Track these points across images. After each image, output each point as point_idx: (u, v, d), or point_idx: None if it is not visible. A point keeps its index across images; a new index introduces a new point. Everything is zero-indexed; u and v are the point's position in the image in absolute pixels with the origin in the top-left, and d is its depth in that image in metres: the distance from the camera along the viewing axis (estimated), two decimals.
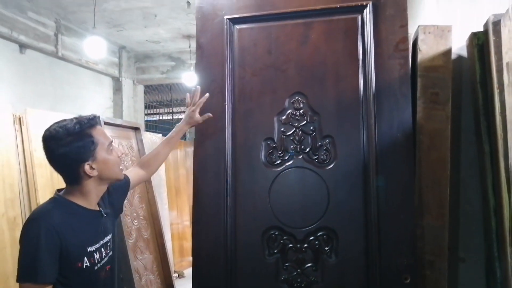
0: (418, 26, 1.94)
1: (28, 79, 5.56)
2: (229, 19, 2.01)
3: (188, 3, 5.01)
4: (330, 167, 1.85)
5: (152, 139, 4.91)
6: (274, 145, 1.91)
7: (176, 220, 5.94)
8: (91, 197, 1.54)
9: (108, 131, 3.53)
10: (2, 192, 3.02)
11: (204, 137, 1.99)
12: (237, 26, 2.01)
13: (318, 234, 1.84)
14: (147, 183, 4.11)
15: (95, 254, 1.50)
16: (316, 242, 1.83)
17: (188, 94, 1.98)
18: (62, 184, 1.55)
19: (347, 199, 1.82)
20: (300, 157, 1.88)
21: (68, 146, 1.44)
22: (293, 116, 1.90)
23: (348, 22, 1.89)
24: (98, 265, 1.52)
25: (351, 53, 1.87)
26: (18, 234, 1.56)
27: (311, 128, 1.88)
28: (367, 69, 1.83)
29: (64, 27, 6.13)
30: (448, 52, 1.89)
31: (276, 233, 1.88)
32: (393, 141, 1.78)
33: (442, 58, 1.89)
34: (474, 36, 1.92)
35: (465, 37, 2.01)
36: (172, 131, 2.00)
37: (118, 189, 1.73)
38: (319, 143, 1.87)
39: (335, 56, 1.88)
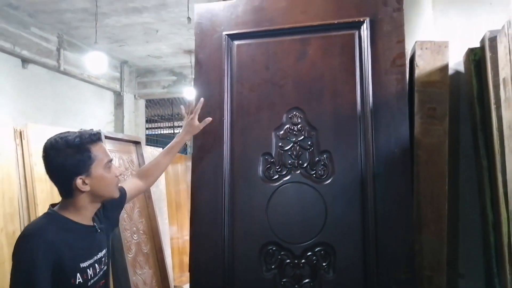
0: (415, 42, 1.95)
1: (30, 93, 5.60)
2: (227, 35, 2.03)
3: (189, 18, 5.07)
4: (327, 182, 1.85)
5: (153, 153, 4.89)
6: (272, 160, 1.91)
7: (176, 235, 5.91)
8: (84, 212, 1.53)
9: (109, 145, 3.53)
10: (1, 206, 3.02)
11: (202, 152, 1.99)
12: (236, 42, 2.03)
13: (316, 250, 1.83)
14: (147, 197, 4.10)
15: (88, 270, 1.49)
16: (314, 257, 1.83)
17: (182, 107, 2.02)
18: None
19: (344, 215, 1.82)
20: (297, 172, 1.88)
21: (65, 158, 1.45)
22: (290, 131, 1.91)
23: (345, 38, 1.91)
24: (92, 281, 1.51)
25: (348, 68, 1.88)
26: None
27: (309, 143, 1.88)
28: (364, 84, 1.84)
29: (67, 42, 6.19)
30: (445, 67, 1.90)
31: (274, 248, 1.87)
32: (390, 156, 1.78)
33: (439, 73, 1.90)
34: (471, 52, 1.94)
35: (462, 53, 2.02)
36: (173, 141, 2.00)
37: (113, 203, 1.71)
38: (317, 158, 1.87)
39: (332, 72, 1.90)
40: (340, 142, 1.85)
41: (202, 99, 1.97)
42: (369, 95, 1.83)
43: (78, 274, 1.45)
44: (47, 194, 3.35)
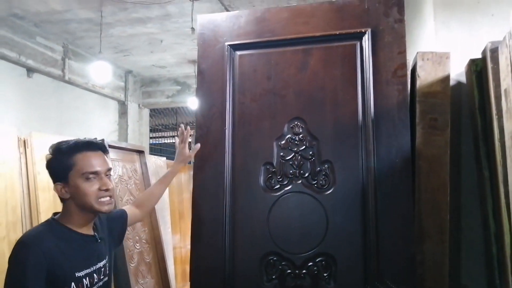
0: (417, 53, 1.96)
1: (35, 103, 5.63)
2: (230, 45, 2.04)
3: (193, 29, 5.10)
4: (329, 192, 1.84)
5: (156, 162, 4.91)
6: (273, 169, 1.91)
7: (179, 244, 5.89)
8: (77, 220, 1.53)
9: (112, 154, 3.54)
10: (4, 215, 3.03)
11: (204, 162, 2.00)
12: (238, 52, 2.04)
13: (317, 260, 1.82)
14: None
15: (84, 279, 1.48)
16: (315, 268, 1.82)
17: (176, 138, 2.10)
18: None
19: (345, 225, 1.81)
20: (299, 182, 1.88)
21: (53, 162, 1.51)
22: (292, 141, 1.91)
23: (347, 48, 1.92)
24: None
25: (349, 79, 1.89)
26: None
27: (310, 153, 1.88)
28: (365, 95, 1.85)
29: (72, 51, 6.24)
30: (446, 78, 1.90)
31: (275, 258, 1.86)
32: (392, 166, 1.78)
33: (441, 84, 1.90)
34: (473, 62, 1.94)
35: (463, 64, 2.02)
36: (166, 172, 2.09)
37: (116, 219, 1.74)
38: (318, 168, 1.87)
39: (334, 82, 1.90)
40: (342, 152, 1.85)
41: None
42: (371, 105, 1.83)
43: (72, 283, 1.44)
44: (50, 203, 3.35)
